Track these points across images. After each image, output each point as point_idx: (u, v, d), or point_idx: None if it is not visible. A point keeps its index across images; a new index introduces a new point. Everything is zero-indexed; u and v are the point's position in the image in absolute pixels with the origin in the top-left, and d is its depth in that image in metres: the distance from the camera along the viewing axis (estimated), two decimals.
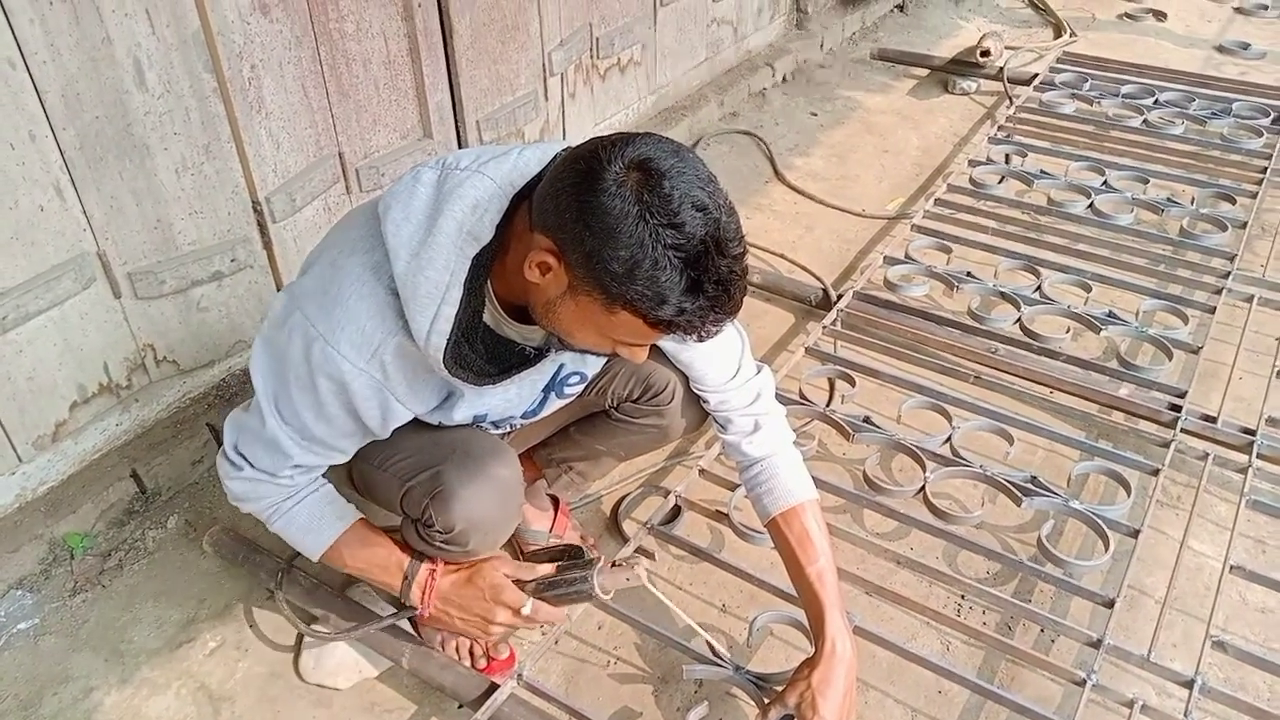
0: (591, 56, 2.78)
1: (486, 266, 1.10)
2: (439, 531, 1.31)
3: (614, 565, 1.33)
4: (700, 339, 1.03)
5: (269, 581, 1.64)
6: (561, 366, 1.34)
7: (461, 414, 1.28)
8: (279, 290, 1.98)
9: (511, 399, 1.31)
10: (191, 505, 1.88)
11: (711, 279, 0.96)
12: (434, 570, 1.39)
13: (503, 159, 1.12)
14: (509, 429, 1.47)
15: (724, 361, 1.42)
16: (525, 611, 1.35)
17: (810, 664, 1.35)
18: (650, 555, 1.76)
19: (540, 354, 1.22)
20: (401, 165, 2.15)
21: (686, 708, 1.50)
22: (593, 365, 1.39)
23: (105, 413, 1.81)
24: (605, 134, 1.03)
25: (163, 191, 1.72)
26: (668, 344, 1.40)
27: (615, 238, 0.94)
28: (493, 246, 1.09)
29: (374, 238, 1.14)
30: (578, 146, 1.03)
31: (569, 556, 1.39)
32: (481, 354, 1.16)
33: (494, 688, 1.44)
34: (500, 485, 1.32)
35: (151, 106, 1.65)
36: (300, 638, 1.61)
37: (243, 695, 1.56)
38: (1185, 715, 1.42)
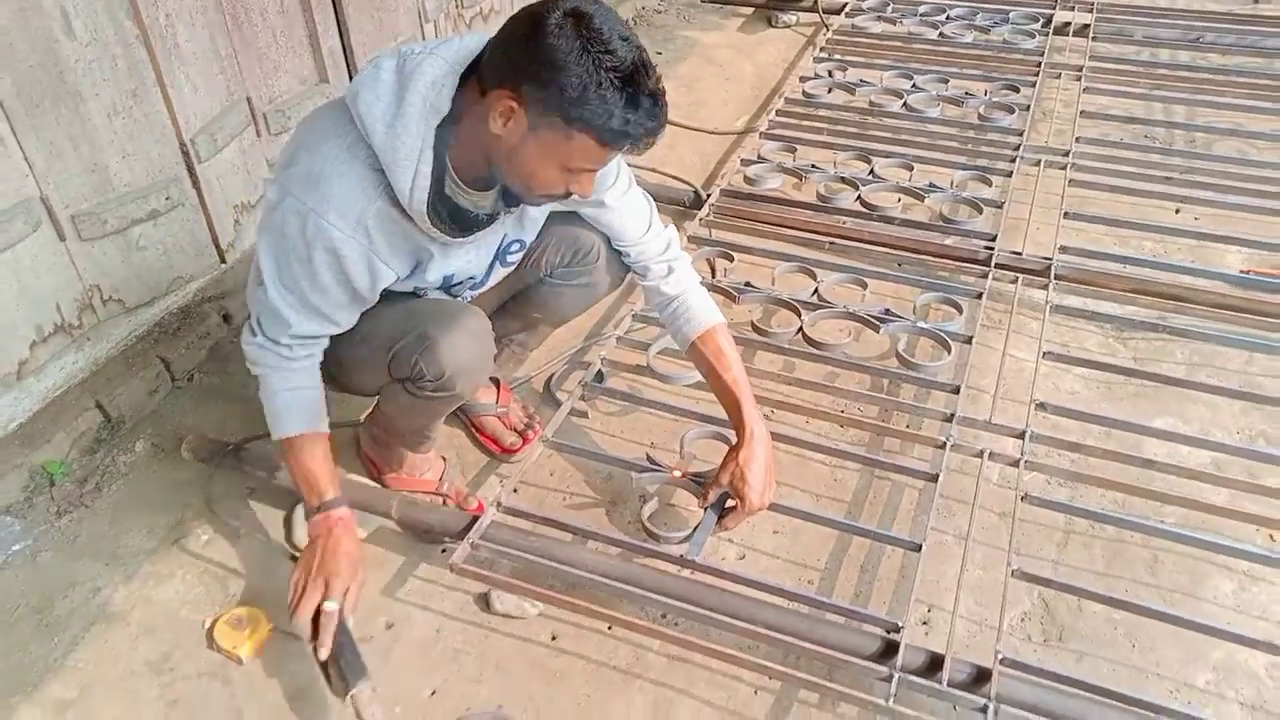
0: (458, 6, 2.99)
1: (444, 140, 1.34)
2: (429, 381, 1.54)
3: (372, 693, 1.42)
4: (640, 151, 1.29)
5: (245, 468, 1.84)
6: (505, 235, 1.60)
7: (434, 274, 1.51)
8: (209, 226, 2.14)
9: (471, 260, 1.55)
10: (155, 430, 2.01)
11: (645, 93, 1.24)
12: (342, 519, 1.52)
13: (449, 43, 1.35)
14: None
15: (638, 219, 1.71)
16: (328, 607, 1.44)
17: (734, 449, 1.67)
18: (584, 415, 2.05)
19: (491, 219, 1.47)
20: (304, 109, 2.32)
21: (638, 517, 1.80)
22: (529, 231, 1.65)
23: (62, 351, 1.93)
24: None
25: (97, 135, 1.85)
26: (588, 210, 1.68)
27: (566, 69, 1.20)
28: (449, 119, 1.33)
29: (346, 124, 1.36)
30: (515, 14, 1.28)
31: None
32: (445, 218, 1.40)
33: (476, 519, 1.70)
34: (476, 334, 1.57)
35: (80, 54, 1.78)
36: (289, 515, 1.80)
37: (246, 570, 1.74)
38: (1021, 454, 1.83)
